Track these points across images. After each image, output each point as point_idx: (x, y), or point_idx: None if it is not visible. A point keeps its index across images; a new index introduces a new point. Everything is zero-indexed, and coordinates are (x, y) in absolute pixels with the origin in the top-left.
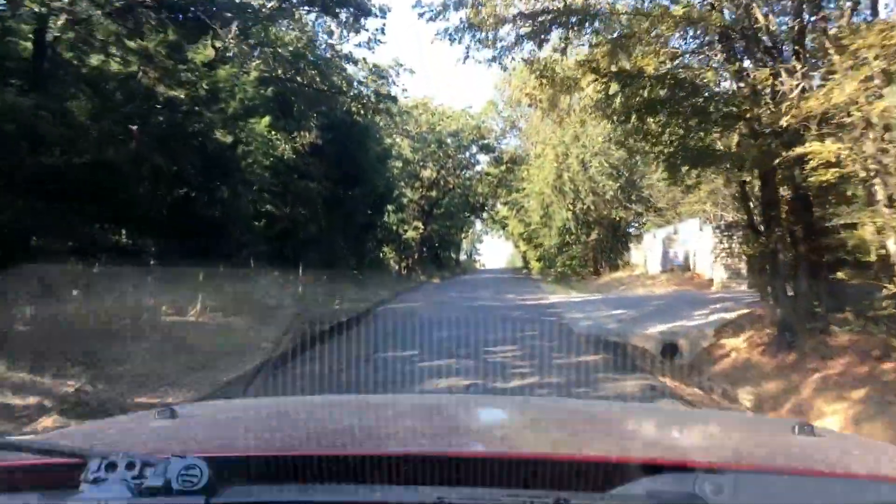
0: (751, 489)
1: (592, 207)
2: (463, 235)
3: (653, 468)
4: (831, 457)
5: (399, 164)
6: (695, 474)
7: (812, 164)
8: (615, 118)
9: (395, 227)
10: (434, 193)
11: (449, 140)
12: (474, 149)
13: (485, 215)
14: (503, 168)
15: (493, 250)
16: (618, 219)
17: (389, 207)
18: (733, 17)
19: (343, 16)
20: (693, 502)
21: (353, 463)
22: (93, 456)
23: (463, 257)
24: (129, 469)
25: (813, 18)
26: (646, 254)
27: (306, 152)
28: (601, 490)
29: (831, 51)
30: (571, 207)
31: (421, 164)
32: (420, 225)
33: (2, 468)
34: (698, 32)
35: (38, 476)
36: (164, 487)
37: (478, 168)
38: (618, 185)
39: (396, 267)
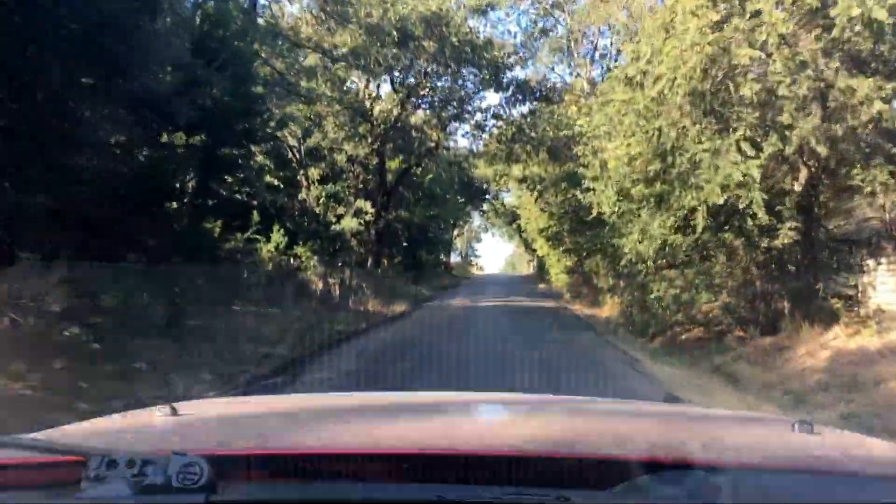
0: (751, 487)
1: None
2: (457, 233)
3: (654, 466)
4: (831, 455)
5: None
6: (695, 472)
7: None
8: None
9: (319, 210)
10: (409, 165)
11: (425, 41)
12: (470, 76)
13: (485, 206)
14: (525, 110)
15: (489, 249)
16: (870, 193)
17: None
18: None
19: None
20: (693, 500)
21: (353, 461)
22: (93, 454)
23: (456, 259)
24: (130, 467)
25: None
26: None
27: None
28: (602, 488)
29: None
30: (749, 152)
31: (363, 77)
32: (369, 208)
33: (3, 466)
34: None
35: (40, 474)
36: (164, 485)
37: (479, 116)
38: (892, 85)
39: (321, 285)
